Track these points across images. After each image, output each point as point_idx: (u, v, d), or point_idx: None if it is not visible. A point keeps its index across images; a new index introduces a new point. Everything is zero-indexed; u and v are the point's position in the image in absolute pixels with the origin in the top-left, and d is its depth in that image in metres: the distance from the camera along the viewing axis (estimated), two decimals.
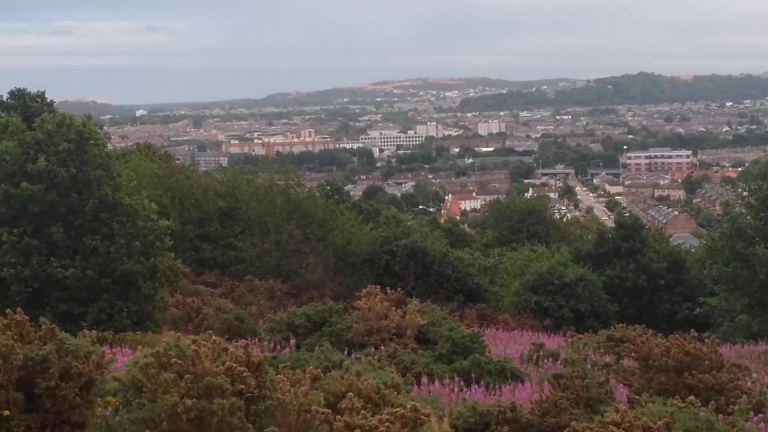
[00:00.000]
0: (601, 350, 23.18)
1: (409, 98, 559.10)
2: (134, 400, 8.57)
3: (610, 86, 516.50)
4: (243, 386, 8.47)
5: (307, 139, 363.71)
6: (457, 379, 17.27)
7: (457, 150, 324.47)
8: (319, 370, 10.17)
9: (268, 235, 40.18)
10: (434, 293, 36.73)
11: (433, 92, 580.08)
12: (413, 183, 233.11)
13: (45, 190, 23.75)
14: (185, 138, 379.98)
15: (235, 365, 8.55)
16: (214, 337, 9.26)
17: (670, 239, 67.89)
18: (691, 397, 11.65)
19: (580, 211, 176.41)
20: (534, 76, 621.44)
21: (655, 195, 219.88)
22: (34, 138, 24.27)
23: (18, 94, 36.74)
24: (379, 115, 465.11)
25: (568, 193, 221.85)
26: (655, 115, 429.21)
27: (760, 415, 13.53)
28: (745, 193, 39.42)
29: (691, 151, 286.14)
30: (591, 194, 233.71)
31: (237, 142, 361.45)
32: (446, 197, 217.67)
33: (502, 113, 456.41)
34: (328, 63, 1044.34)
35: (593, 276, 40.60)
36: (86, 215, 24.11)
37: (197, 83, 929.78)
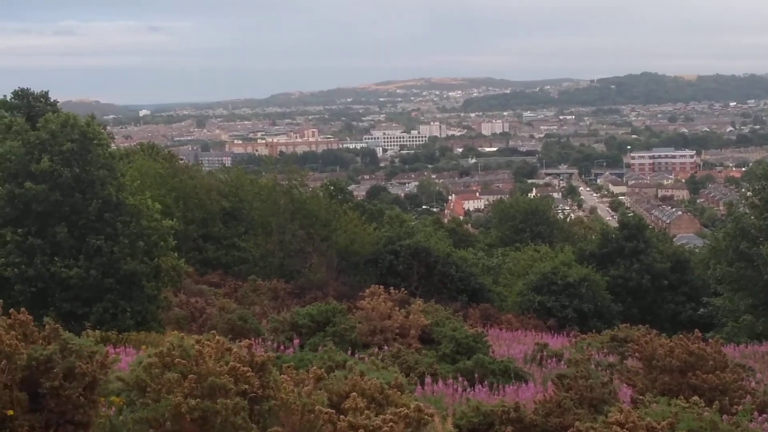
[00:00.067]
0: (605, 350, 23.18)
1: (412, 98, 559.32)
2: (138, 400, 8.57)
3: (613, 86, 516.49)
4: (247, 386, 8.47)
5: (310, 139, 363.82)
6: (460, 379, 17.26)
7: (460, 150, 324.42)
8: (322, 370, 10.17)
9: (272, 235, 40.18)
10: (438, 293, 36.72)
11: (437, 92, 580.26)
12: (416, 183, 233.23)
13: (49, 190, 23.77)
14: (189, 138, 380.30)
15: (238, 365, 8.55)
16: (217, 337, 9.26)
17: (674, 239, 67.74)
18: (695, 398, 11.63)
19: (583, 211, 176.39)
20: (537, 76, 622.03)
21: (659, 195, 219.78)
22: (38, 138, 24.29)
23: (21, 94, 36.87)
24: (382, 115, 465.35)
25: (571, 193, 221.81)
26: (659, 115, 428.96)
27: (765, 415, 13.51)
28: (748, 193, 39.37)
29: (694, 151, 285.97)
30: (594, 194, 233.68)
31: (240, 142, 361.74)
32: (449, 197, 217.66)
33: (505, 113, 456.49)
34: (331, 63, 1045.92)
35: (597, 276, 40.57)
36: (90, 215, 24.13)
37: (200, 83, 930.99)
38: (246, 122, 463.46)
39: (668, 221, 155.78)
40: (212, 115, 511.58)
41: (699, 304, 41.92)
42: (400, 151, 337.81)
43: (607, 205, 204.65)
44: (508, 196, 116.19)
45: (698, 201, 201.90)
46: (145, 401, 8.41)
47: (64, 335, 8.57)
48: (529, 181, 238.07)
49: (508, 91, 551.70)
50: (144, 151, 50.13)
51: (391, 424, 8.15)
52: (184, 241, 35.25)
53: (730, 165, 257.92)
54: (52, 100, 37.82)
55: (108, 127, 56.58)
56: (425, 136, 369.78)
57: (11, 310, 8.79)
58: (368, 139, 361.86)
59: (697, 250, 52.30)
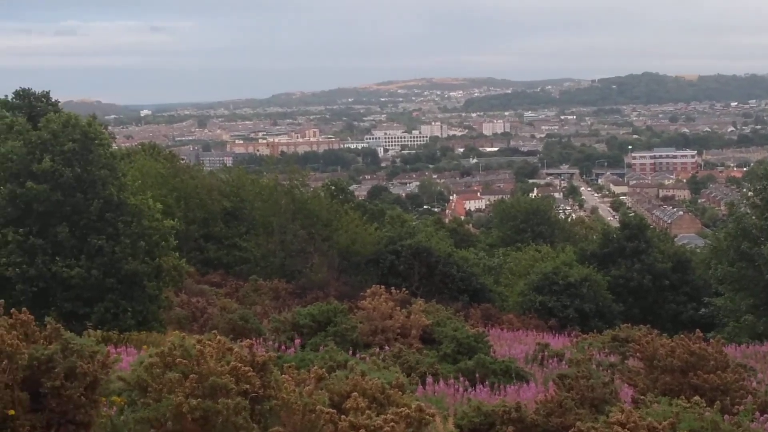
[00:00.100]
0: (606, 350, 23.16)
1: (413, 98, 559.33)
2: (139, 400, 8.57)
3: (614, 86, 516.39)
4: (248, 386, 8.46)
5: (311, 139, 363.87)
6: (461, 379, 17.25)
7: (461, 150, 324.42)
8: (323, 370, 10.16)
9: (273, 235, 40.20)
10: (439, 293, 36.73)
11: (438, 92, 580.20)
12: (418, 183, 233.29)
13: (50, 189, 23.79)
14: (190, 138, 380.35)
15: (239, 365, 8.55)
16: (218, 337, 9.26)
17: (675, 239, 67.75)
18: (696, 398, 11.62)
19: (584, 211, 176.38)
20: (538, 76, 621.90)
21: (660, 195, 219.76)
22: (40, 138, 24.31)
23: (23, 94, 36.87)
24: (383, 115, 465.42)
25: (572, 193, 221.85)
26: (660, 115, 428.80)
27: (766, 415, 13.51)
28: (750, 193, 39.38)
29: (695, 151, 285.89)
30: (596, 194, 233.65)
31: (241, 142, 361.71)
32: (451, 197, 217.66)
33: (506, 113, 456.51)
34: (332, 63, 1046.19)
35: (598, 276, 40.58)
36: (91, 215, 24.15)
37: (201, 83, 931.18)
38: (247, 122, 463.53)
39: (669, 221, 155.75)
40: (213, 115, 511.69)
41: (700, 304, 41.95)
42: (401, 151, 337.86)
43: (609, 205, 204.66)
44: (509, 196, 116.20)
45: (699, 201, 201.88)
46: (146, 401, 8.41)
47: (65, 335, 8.57)
48: (531, 181, 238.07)
49: (510, 91, 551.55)
50: (145, 151, 50.15)
51: (392, 424, 8.15)
52: (185, 241, 35.26)
53: (732, 165, 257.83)
54: (53, 100, 37.81)
55: (109, 127, 56.60)
56: (426, 136, 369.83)
57: (12, 310, 8.79)
58: (369, 139, 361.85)
59: (698, 250, 52.32)
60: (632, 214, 68.17)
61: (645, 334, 18.32)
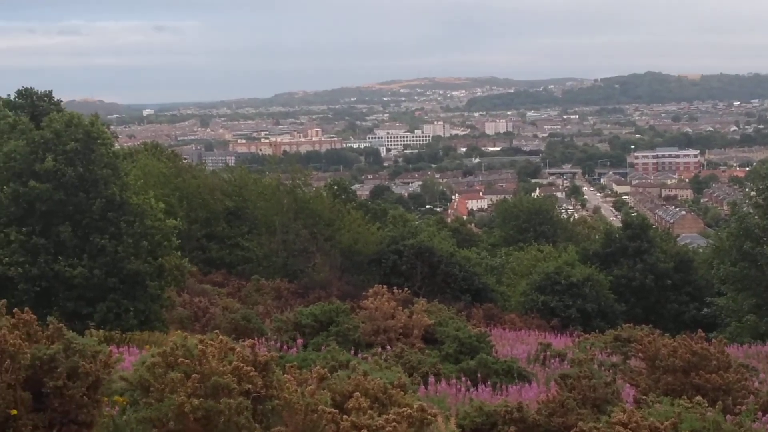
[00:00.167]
0: (608, 350, 23.15)
1: (416, 98, 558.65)
2: (141, 400, 8.59)
3: (617, 86, 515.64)
4: (250, 386, 8.48)
5: (314, 139, 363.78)
6: (463, 379, 17.24)
7: (464, 149, 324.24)
8: (325, 369, 10.18)
9: (275, 235, 40.20)
10: (441, 293, 36.72)
11: (440, 92, 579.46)
12: (420, 182, 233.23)
13: (53, 189, 23.83)
14: (192, 137, 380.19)
15: (242, 365, 8.56)
16: (221, 337, 9.27)
17: (678, 239, 67.76)
18: (699, 398, 11.62)
19: (587, 210, 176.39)
20: (541, 76, 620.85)
21: (663, 195, 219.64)
22: (42, 137, 24.35)
23: (25, 94, 36.97)
24: (386, 115, 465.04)
25: (575, 192, 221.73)
26: (663, 115, 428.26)
27: None
28: (752, 193, 39.37)
29: (698, 151, 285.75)
30: (598, 194, 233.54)
31: (244, 141, 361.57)
32: (453, 197, 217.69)
33: (509, 113, 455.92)
34: (334, 62, 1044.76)
35: (600, 276, 40.55)
36: (94, 214, 24.18)
37: (204, 83, 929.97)
38: (249, 122, 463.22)
39: (672, 221, 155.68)
40: (216, 114, 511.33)
41: (702, 303, 41.94)
42: (403, 150, 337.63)
43: (611, 204, 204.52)
44: (511, 195, 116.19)
45: (702, 201, 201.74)
46: (148, 401, 8.42)
47: (67, 335, 8.59)
48: (533, 180, 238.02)
49: (512, 91, 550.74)
50: (148, 150, 50.20)
51: (394, 423, 8.16)
52: (187, 240, 35.27)
53: (734, 165, 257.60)
54: (56, 100, 37.93)
55: (112, 127, 56.76)
56: (429, 136, 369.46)
57: (15, 310, 8.82)
58: (372, 138, 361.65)
59: (700, 250, 52.30)
60: (635, 214, 68.09)
61: (647, 334, 18.33)
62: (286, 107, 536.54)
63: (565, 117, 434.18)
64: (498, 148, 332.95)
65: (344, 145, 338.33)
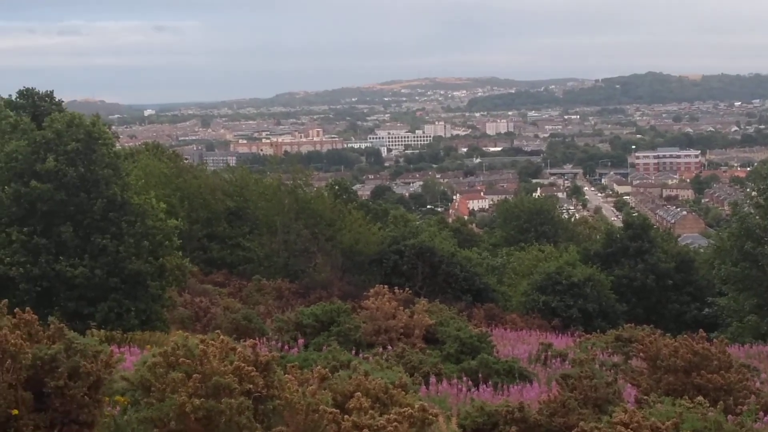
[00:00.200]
0: (610, 350, 23.15)
1: (417, 98, 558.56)
2: (142, 400, 8.59)
3: (618, 86, 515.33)
4: (251, 386, 8.47)
5: (315, 139, 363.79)
6: (465, 379, 17.25)
7: (465, 150, 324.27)
8: (327, 369, 10.17)
9: (276, 235, 40.21)
10: (442, 293, 36.72)
11: (441, 92, 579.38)
12: (421, 183, 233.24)
13: (54, 189, 23.83)
14: (193, 138, 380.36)
15: (243, 365, 8.56)
16: (222, 337, 9.27)
17: (679, 239, 67.80)
18: (700, 398, 11.62)
19: (588, 210, 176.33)
20: (542, 76, 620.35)
21: (664, 195, 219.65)
22: (44, 137, 24.36)
23: (27, 94, 36.99)
24: (387, 115, 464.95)
25: (576, 192, 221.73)
26: (664, 115, 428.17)
27: None
28: (753, 193, 39.36)
29: (699, 151, 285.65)
30: (599, 194, 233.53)
31: (245, 141, 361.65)
32: (454, 197, 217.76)
33: (510, 113, 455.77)
34: (336, 63, 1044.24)
35: (601, 276, 40.55)
36: (95, 214, 24.18)
37: (205, 83, 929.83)
38: (251, 122, 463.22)
39: (673, 221, 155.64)
40: (217, 114, 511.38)
41: (703, 304, 41.94)
42: (404, 150, 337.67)
43: (612, 204, 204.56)
44: (512, 195, 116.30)
45: (703, 201, 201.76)
46: (149, 401, 8.42)
47: (68, 335, 8.59)
48: (534, 180, 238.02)
49: (513, 91, 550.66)
50: (149, 150, 50.22)
51: (395, 423, 8.16)
52: (188, 240, 35.29)
53: (735, 165, 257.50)
54: (57, 100, 37.94)
55: (113, 127, 56.76)
56: (430, 136, 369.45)
57: (16, 310, 8.82)
58: (373, 138, 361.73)
59: (701, 250, 52.29)
60: (636, 214, 68.04)
61: (648, 334, 18.32)
62: (287, 107, 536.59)
63: (566, 117, 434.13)
64: (499, 149, 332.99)
65: (345, 146, 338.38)
